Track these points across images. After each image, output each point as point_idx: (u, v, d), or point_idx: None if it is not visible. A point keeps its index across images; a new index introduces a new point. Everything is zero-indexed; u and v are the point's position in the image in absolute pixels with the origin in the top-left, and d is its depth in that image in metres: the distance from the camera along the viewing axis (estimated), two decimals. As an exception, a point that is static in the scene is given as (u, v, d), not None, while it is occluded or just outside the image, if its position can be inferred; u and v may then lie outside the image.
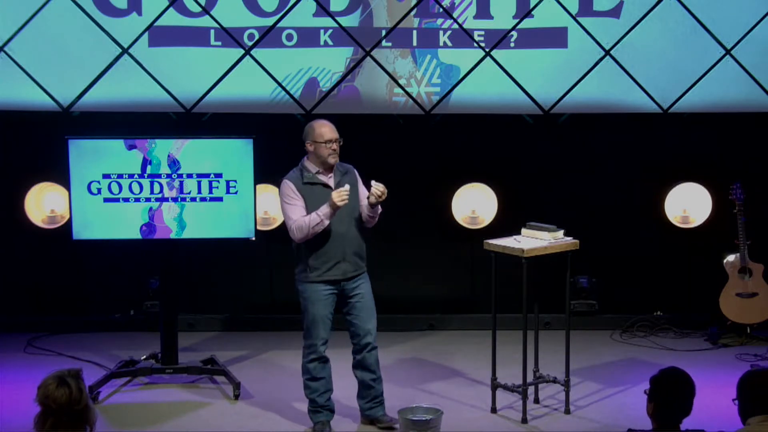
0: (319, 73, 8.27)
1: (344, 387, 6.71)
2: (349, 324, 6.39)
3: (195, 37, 8.19)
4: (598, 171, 8.61)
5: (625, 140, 8.59)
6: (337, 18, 8.18)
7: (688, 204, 8.55)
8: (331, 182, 6.30)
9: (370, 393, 6.44)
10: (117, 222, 7.01)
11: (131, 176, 6.98)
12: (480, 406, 6.84)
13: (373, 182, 6.23)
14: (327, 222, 6.17)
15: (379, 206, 6.32)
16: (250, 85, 8.25)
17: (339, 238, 6.25)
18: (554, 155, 8.61)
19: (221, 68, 8.21)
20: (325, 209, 6.14)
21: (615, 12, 8.23)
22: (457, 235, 8.54)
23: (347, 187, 6.17)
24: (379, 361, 6.45)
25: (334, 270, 6.27)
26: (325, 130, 6.26)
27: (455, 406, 6.83)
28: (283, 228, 8.48)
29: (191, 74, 8.23)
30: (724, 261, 8.24)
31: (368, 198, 6.27)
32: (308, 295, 6.31)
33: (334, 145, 6.26)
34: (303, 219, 6.19)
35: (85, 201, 6.98)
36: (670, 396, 4.39)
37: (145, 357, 7.37)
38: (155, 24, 8.14)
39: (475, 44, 8.22)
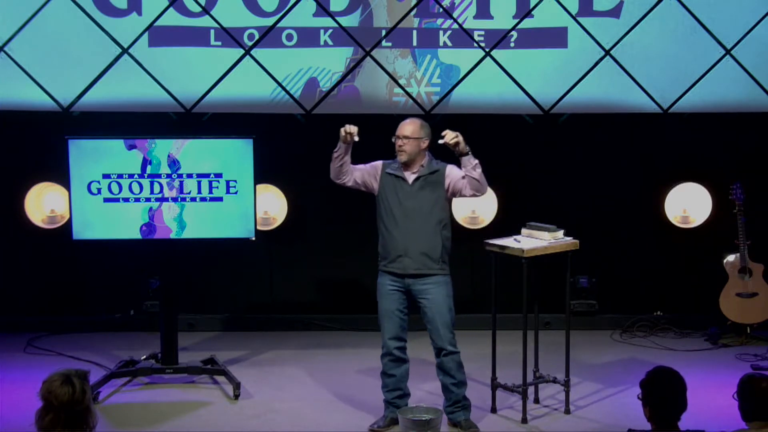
0: (319, 73, 8.27)
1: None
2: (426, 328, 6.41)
3: (195, 37, 8.19)
4: (598, 171, 8.62)
5: (625, 140, 8.60)
6: (337, 18, 8.18)
7: (688, 204, 8.55)
8: (412, 177, 6.31)
9: (450, 397, 6.43)
10: (117, 222, 7.01)
11: (131, 176, 6.98)
12: (480, 406, 6.83)
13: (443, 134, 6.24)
14: (336, 154, 6.33)
15: (475, 164, 6.23)
16: (250, 85, 8.25)
17: (403, 232, 6.27)
18: (554, 155, 8.61)
19: (221, 68, 8.21)
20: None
21: (615, 12, 8.23)
22: (457, 235, 8.49)
23: (354, 127, 6.26)
24: (461, 366, 6.39)
25: (396, 263, 6.29)
26: (401, 125, 6.35)
27: (455, 406, 6.83)
28: (283, 228, 8.54)
29: (191, 74, 8.23)
30: (724, 261, 8.24)
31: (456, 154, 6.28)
32: (378, 287, 6.39)
33: (399, 141, 6.30)
34: None
35: (85, 201, 6.98)
36: (663, 395, 4.41)
37: (145, 357, 7.36)
38: (155, 24, 8.14)
39: (475, 44, 8.22)
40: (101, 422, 5.98)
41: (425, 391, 7.07)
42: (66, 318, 8.58)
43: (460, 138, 6.22)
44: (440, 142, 6.25)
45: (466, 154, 6.24)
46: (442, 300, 6.30)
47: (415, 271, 6.27)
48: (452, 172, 6.34)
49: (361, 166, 6.46)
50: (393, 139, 6.35)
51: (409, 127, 6.32)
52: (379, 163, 6.45)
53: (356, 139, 6.29)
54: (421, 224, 6.28)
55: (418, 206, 6.27)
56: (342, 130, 6.28)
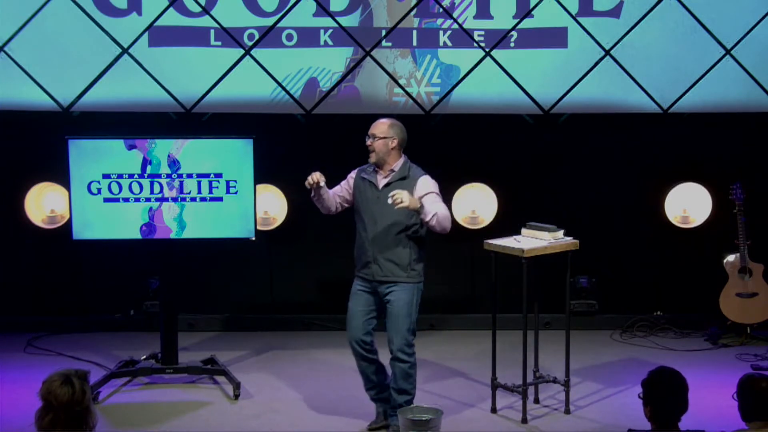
0: (319, 73, 8.27)
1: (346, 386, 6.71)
2: None
3: (195, 37, 8.19)
4: (598, 171, 8.62)
5: (625, 140, 8.60)
6: (337, 18, 8.18)
7: (688, 204, 8.55)
8: (382, 182, 6.26)
9: (390, 400, 6.38)
10: (117, 222, 7.01)
11: (131, 176, 6.98)
12: (480, 406, 6.84)
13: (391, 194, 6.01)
14: (314, 198, 6.35)
15: (431, 213, 6.03)
16: (250, 85, 8.25)
17: (370, 240, 6.24)
18: (554, 155, 8.61)
19: (221, 68, 8.21)
20: None
21: (615, 12, 8.23)
22: (457, 235, 8.52)
23: (316, 174, 6.20)
24: (409, 376, 6.26)
25: (366, 269, 6.29)
26: (372, 124, 6.33)
27: (455, 406, 6.83)
28: (283, 228, 8.54)
29: (191, 74, 8.23)
30: (724, 261, 8.24)
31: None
32: (352, 288, 6.41)
33: (369, 141, 6.28)
34: None
35: (85, 201, 6.98)
36: (664, 396, 4.40)
37: (145, 357, 7.37)
38: (155, 24, 8.14)
39: (475, 44, 8.22)
40: (101, 422, 5.99)
41: (425, 391, 7.07)
42: (66, 318, 8.58)
43: (407, 201, 5.91)
44: (389, 202, 6.01)
45: (420, 211, 6.06)
46: (402, 305, 6.22)
47: (382, 278, 6.24)
48: (422, 188, 6.21)
49: (338, 188, 6.46)
50: (365, 139, 6.34)
51: (377, 126, 6.30)
52: (353, 172, 6.45)
53: (321, 186, 6.26)
54: (387, 231, 6.22)
55: (385, 212, 6.19)
56: (306, 183, 6.25)
